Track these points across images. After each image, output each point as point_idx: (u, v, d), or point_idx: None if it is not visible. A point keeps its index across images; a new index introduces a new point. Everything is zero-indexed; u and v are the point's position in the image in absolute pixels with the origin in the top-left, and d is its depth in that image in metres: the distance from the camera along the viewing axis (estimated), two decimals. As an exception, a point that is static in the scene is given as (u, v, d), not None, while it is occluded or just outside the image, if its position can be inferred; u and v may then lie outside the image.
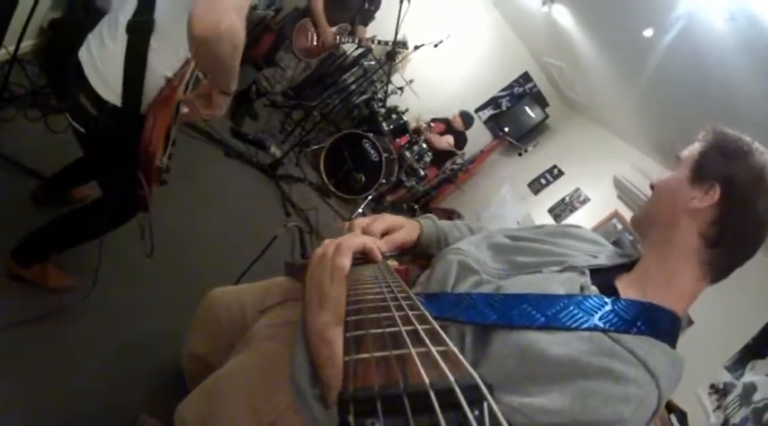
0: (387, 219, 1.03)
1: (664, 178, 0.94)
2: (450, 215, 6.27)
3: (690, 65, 2.95)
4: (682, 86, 3.22)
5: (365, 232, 0.98)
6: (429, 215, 1.17)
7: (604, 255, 0.93)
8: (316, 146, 4.66)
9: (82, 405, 1.49)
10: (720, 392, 2.80)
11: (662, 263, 0.84)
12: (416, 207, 5.91)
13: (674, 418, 2.18)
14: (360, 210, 4.62)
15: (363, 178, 4.56)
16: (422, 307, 0.36)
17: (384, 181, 4.62)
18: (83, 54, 1.25)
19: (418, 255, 1.11)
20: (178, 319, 1.58)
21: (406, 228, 1.06)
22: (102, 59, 1.22)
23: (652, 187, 0.95)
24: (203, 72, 1.27)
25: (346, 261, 0.69)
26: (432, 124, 5.72)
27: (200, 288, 1.43)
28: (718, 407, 2.74)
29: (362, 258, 0.78)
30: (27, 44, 1.36)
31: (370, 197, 4.71)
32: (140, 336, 1.80)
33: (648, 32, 3.04)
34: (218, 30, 0.99)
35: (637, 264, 0.89)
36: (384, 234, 1.01)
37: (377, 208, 5.28)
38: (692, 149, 0.92)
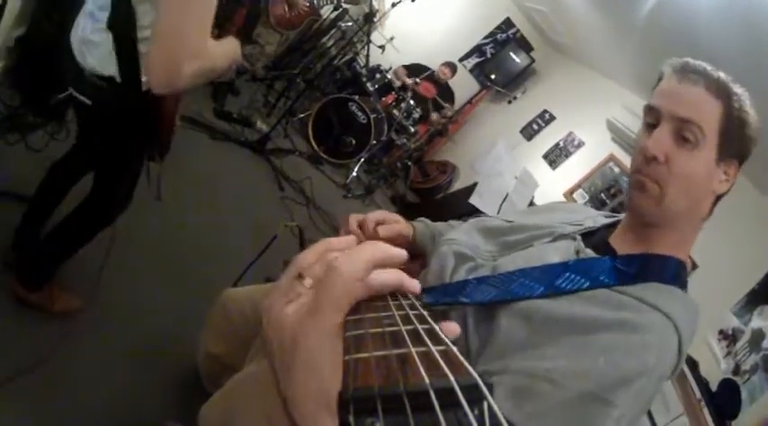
0: (382, 212, 1.08)
1: (689, 165, 0.76)
2: (444, 167, 6.22)
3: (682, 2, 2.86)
4: (673, 24, 3.12)
5: (360, 224, 1.03)
6: (421, 218, 1.20)
7: (591, 219, 0.94)
8: (302, 115, 4.59)
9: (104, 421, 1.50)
10: (729, 338, 2.80)
11: (671, 229, 0.81)
12: (410, 163, 5.87)
13: (684, 367, 2.20)
14: (354, 174, 4.59)
15: (353, 141, 4.52)
16: (421, 308, 0.37)
17: (375, 142, 4.57)
18: (74, 40, 1.20)
19: (416, 255, 1.13)
20: (187, 319, 1.58)
21: (403, 223, 1.10)
22: (90, 51, 1.17)
23: (656, 159, 0.77)
24: None
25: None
26: (418, 80, 5.61)
27: (203, 283, 1.43)
28: (728, 353, 2.74)
29: None
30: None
31: (362, 159, 4.68)
32: (152, 341, 1.77)
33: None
34: (179, 84, 1.00)
35: (627, 220, 0.88)
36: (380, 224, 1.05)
37: (370, 168, 5.23)
38: (710, 113, 0.75)
